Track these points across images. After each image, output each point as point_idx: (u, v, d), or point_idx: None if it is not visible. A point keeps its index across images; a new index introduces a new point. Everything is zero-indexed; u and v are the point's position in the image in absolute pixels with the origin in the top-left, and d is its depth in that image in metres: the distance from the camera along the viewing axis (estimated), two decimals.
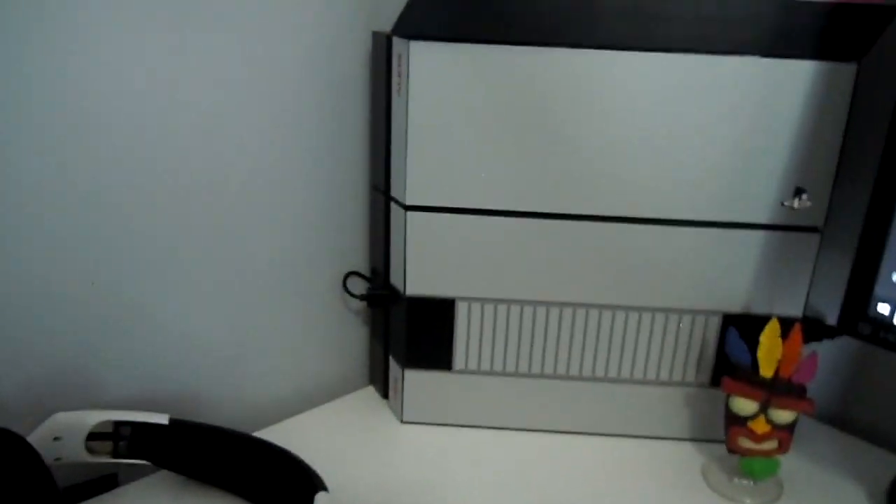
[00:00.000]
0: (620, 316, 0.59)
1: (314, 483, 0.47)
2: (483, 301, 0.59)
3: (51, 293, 0.50)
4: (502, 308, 0.59)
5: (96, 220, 0.51)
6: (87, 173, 0.50)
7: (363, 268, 0.69)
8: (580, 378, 0.61)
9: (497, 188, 0.56)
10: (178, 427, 0.52)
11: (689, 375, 0.61)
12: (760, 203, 0.56)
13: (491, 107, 0.54)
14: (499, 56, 0.53)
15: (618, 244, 0.57)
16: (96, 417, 0.51)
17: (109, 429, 0.51)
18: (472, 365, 0.61)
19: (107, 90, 0.49)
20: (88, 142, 0.49)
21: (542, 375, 0.61)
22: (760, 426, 0.55)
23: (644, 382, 0.61)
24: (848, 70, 0.53)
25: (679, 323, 0.59)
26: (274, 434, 0.61)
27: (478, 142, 0.55)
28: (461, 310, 0.60)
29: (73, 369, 0.53)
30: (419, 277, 0.59)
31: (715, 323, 0.59)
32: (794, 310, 0.59)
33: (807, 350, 0.55)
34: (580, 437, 0.63)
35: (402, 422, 0.64)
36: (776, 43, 0.53)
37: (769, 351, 0.54)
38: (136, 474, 0.55)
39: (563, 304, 0.59)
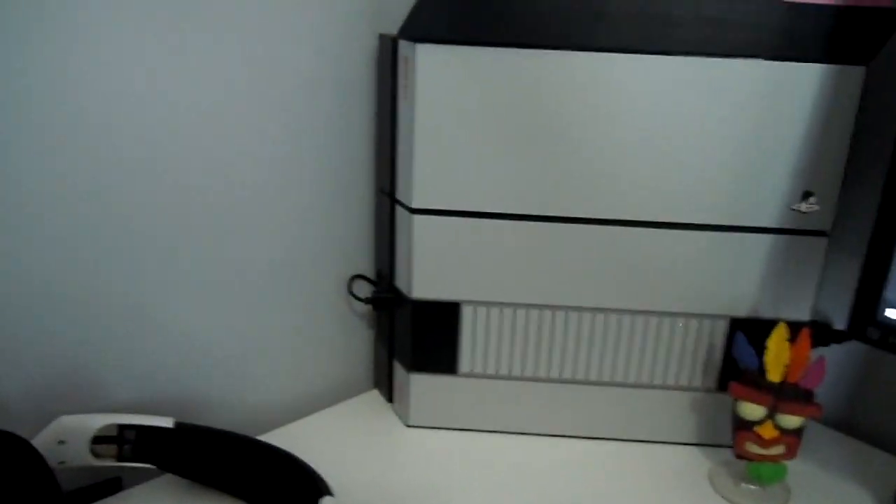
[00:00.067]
0: (627, 320, 0.59)
1: (319, 487, 0.47)
2: (489, 305, 0.59)
3: (54, 296, 0.50)
4: (508, 312, 0.59)
5: (100, 222, 0.51)
6: (90, 175, 0.50)
7: (368, 271, 0.69)
8: (586, 382, 0.61)
9: (503, 191, 0.56)
10: (183, 431, 0.52)
11: (696, 380, 0.61)
12: (768, 207, 0.56)
13: (497, 110, 0.54)
14: (505, 59, 0.53)
15: (624, 248, 0.57)
16: (101, 421, 0.51)
17: (114, 432, 0.51)
18: (478, 369, 0.61)
19: (110, 91, 0.49)
20: (93, 143, 0.49)
21: (548, 379, 0.61)
22: (768, 431, 0.54)
23: (651, 387, 0.61)
24: (856, 73, 0.53)
25: (679, 323, 0.59)
26: (278, 437, 0.61)
27: (484, 145, 0.55)
28: (467, 313, 0.59)
29: (77, 372, 0.52)
30: (425, 281, 0.59)
31: (722, 327, 0.59)
32: (802, 314, 0.59)
33: (814, 355, 0.55)
34: (586, 442, 0.63)
35: (407, 426, 0.64)
36: (784, 46, 0.53)
37: (777, 356, 0.54)
38: (140, 478, 0.54)
39: (568, 308, 0.59)
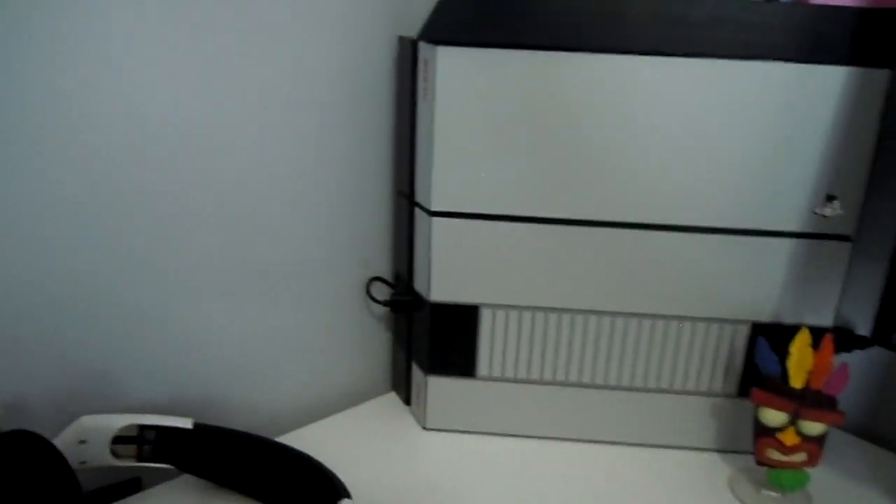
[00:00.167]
0: (647, 324, 0.58)
1: (337, 490, 0.47)
2: (508, 308, 0.59)
3: (77, 297, 0.50)
4: (527, 315, 0.59)
5: (123, 225, 0.51)
6: (114, 177, 0.50)
7: (387, 273, 0.69)
8: (606, 387, 0.61)
9: (523, 194, 0.56)
10: (202, 431, 0.52)
11: (717, 385, 0.60)
12: (791, 211, 0.55)
13: (517, 112, 0.54)
14: (525, 61, 0.53)
15: (645, 251, 0.57)
16: (121, 421, 0.51)
17: (134, 432, 0.51)
18: (496, 372, 0.61)
19: (131, 93, 0.49)
20: (118, 145, 0.49)
21: (567, 384, 0.61)
22: (790, 438, 0.54)
23: (671, 392, 0.60)
24: (880, 76, 0.52)
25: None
26: (296, 439, 0.61)
27: (503, 147, 0.55)
28: (485, 316, 0.59)
29: (98, 373, 0.53)
30: (443, 283, 0.59)
31: (744, 332, 0.58)
32: (825, 320, 0.58)
33: (837, 361, 0.54)
34: (605, 447, 0.62)
35: (424, 428, 0.64)
36: (807, 48, 0.52)
37: (799, 361, 0.53)
38: (159, 478, 0.55)
39: (588, 312, 0.59)
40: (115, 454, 0.51)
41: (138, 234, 0.52)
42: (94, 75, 0.47)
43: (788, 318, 0.58)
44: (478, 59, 0.53)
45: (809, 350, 0.53)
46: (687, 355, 0.59)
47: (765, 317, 0.58)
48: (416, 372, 0.64)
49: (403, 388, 0.68)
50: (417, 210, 0.60)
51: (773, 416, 0.54)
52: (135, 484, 0.54)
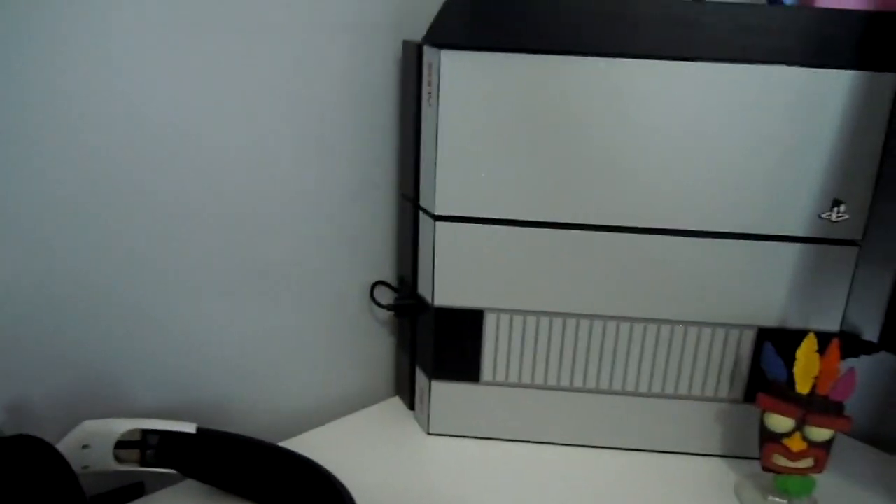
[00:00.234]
0: (652, 329, 0.58)
1: (341, 495, 0.47)
2: (512, 312, 0.59)
3: (79, 301, 0.50)
4: (531, 320, 0.59)
5: (125, 227, 0.51)
6: (112, 179, 0.50)
7: (390, 277, 0.68)
8: (610, 392, 0.60)
9: (528, 198, 0.56)
10: (206, 436, 0.52)
11: (723, 390, 0.60)
12: (797, 215, 0.55)
13: (522, 116, 0.54)
14: (530, 65, 0.53)
15: (650, 256, 0.56)
16: (124, 426, 0.51)
17: (137, 437, 0.51)
18: (501, 377, 0.61)
19: (131, 93, 0.49)
20: (119, 145, 0.49)
21: (571, 389, 0.60)
22: (796, 444, 0.53)
23: (676, 397, 0.60)
24: (887, 80, 0.52)
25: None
26: (299, 444, 0.60)
27: (508, 151, 0.55)
28: (490, 321, 0.59)
29: (101, 377, 0.53)
30: (447, 288, 0.59)
31: (749, 337, 0.58)
32: (831, 325, 0.58)
33: (844, 366, 0.54)
34: (610, 452, 0.62)
35: (428, 434, 0.63)
36: (814, 52, 0.52)
37: (806, 367, 0.53)
38: (162, 483, 0.55)
39: (593, 317, 0.58)
40: (118, 459, 0.51)
41: (141, 239, 0.52)
42: (94, 75, 0.47)
43: (795, 323, 0.58)
44: (482, 63, 0.53)
45: (816, 355, 0.53)
46: (692, 360, 0.59)
47: (771, 322, 0.58)
48: (420, 376, 0.64)
49: (407, 393, 0.67)
50: (421, 214, 0.59)
51: (780, 422, 0.54)
52: (138, 489, 0.54)
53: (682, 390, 0.60)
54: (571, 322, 0.59)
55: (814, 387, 0.53)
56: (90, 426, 0.50)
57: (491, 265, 0.58)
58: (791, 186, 0.54)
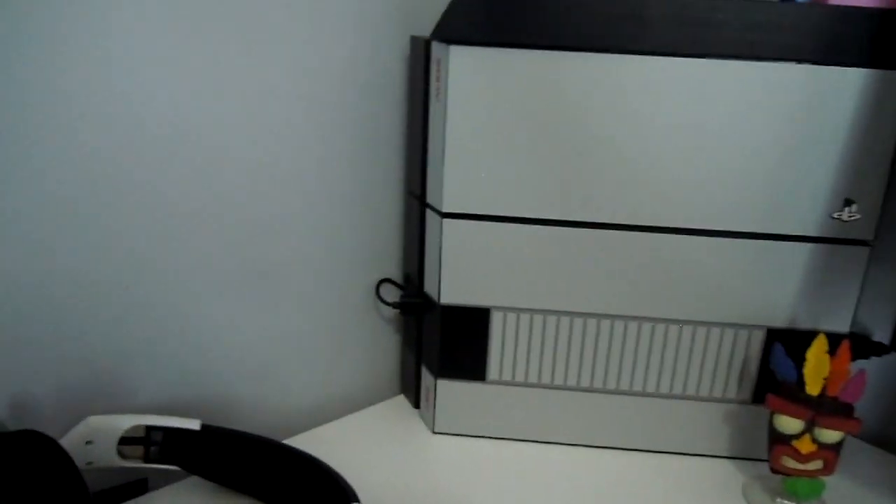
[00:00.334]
0: (660, 329, 0.58)
1: (345, 493, 0.47)
2: (519, 311, 0.58)
3: (84, 296, 0.50)
4: (538, 318, 0.58)
5: (130, 223, 0.51)
6: (116, 175, 0.50)
7: (396, 275, 0.68)
8: (618, 392, 0.60)
9: (535, 196, 0.55)
10: (210, 433, 0.51)
11: (731, 391, 0.59)
12: (808, 215, 0.54)
13: (531, 113, 0.53)
14: (539, 61, 0.52)
15: (659, 255, 0.56)
16: (128, 422, 0.51)
17: (141, 433, 0.51)
18: (507, 376, 0.60)
19: (131, 93, 0.49)
20: (121, 145, 0.49)
21: (578, 388, 0.60)
22: (805, 446, 0.53)
23: (684, 398, 0.60)
24: None
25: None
26: (304, 442, 0.60)
27: (516, 149, 0.54)
28: (496, 320, 0.59)
29: (105, 373, 0.52)
30: (454, 286, 0.58)
31: (759, 338, 0.58)
32: (841, 325, 0.57)
33: (854, 368, 0.53)
34: (617, 453, 0.62)
35: (433, 432, 0.63)
36: (825, 50, 0.51)
37: (816, 368, 0.53)
38: (166, 480, 0.54)
39: (601, 316, 0.58)
40: (121, 455, 0.51)
41: (146, 236, 0.52)
42: (94, 75, 0.47)
43: (804, 324, 0.57)
44: (491, 59, 0.53)
45: (826, 356, 0.53)
46: (701, 360, 0.58)
47: (780, 322, 0.57)
48: (426, 375, 0.64)
49: (412, 392, 0.67)
50: (428, 211, 0.59)
51: (789, 424, 0.53)
52: (141, 485, 0.54)
53: (690, 391, 0.59)
54: (578, 321, 0.58)
55: (824, 388, 0.53)
56: (94, 422, 0.50)
57: (498, 263, 0.57)
58: (802, 185, 0.54)
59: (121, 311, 0.52)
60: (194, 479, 0.54)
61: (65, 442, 0.48)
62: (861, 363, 0.61)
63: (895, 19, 0.51)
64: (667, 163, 0.54)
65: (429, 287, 0.61)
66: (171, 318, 0.55)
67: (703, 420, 0.60)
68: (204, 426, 0.51)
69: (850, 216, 0.54)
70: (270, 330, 0.61)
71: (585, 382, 0.60)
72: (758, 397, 0.59)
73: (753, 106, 0.52)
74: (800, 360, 0.53)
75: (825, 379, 0.53)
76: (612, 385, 0.60)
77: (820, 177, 0.54)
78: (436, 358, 0.61)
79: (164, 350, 0.55)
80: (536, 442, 0.62)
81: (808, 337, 0.54)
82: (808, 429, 0.53)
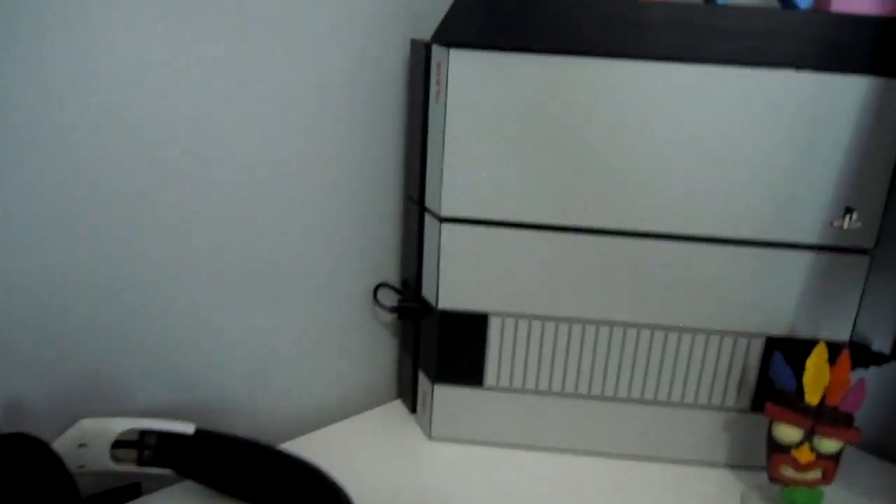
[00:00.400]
0: (659, 336, 0.57)
1: (340, 498, 0.46)
2: (517, 317, 0.58)
3: (78, 298, 0.50)
4: (537, 324, 0.58)
5: (126, 226, 0.51)
6: (121, 178, 0.49)
7: (394, 279, 0.68)
8: (615, 399, 0.60)
9: (535, 201, 0.55)
10: (204, 437, 0.51)
11: (730, 399, 0.59)
12: (808, 222, 0.54)
13: (531, 117, 0.53)
14: (540, 65, 0.52)
15: (658, 261, 0.56)
16: (122, 425, 0.50)
17: (135, 437, 0.51)
18: (504, 382, 0.60)
19: (135, 93, 0.49)
20: (125, 145, 0.49)
21: (576, 395, 0.60)
22: (804, 455, 0.52)
23: (682, 405, 0.59)
24: None
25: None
26: (299, 446, 0.60)
27: (516, 153, 0.54)
28: (494, 325, 0.58)
29: (99, 376, 0.52)
30: (452, 291, 0.58)
31: (758, 346, 0.57)
32: (841, 334, 0.57)
33: (854, 377, 0.53)
34: (614, 460, 0.61)
35: (430, 438, 0.63)
36: (827, 57, 0.51)
37: (815, 377, 0.52)
38: (159, 484, 0.54)
39: (599, 322, 0.57)
40: (115, 458, 0.50)
41: (142, 238, 0.51)
42: (93, 76, 0.47)
43: (804, 333, 0.57)
44: (491, 63, 0.52)
45: (826, 365, 0.52)
46: (700, 368, 0.58)
47: (780, 330, 0.57)
48: (423, 380, 0.63)
49: (409, 397, 0.67)
50: (427, 215, 0.59)
51: (788, 432, 0.53)
52: (134, 489, 0.53)
53: (689, 398, 0.59)
54: (577, 327, 0.58)
55: (823, 397, 0.52)
56: (87, 425, 0.49)
57: (496, 268, 0.57)
58: (802, 193, 0.54)
59: (116, 314, 0.52)
60: (188, 483, 0.53)
61: (58, 445, 0.48)
62: (861, 372, 0.61)
63: None
64: (667, 169, 0.54)
65: (427, 292, 0.60)
66: (166, 322, 0.54)
67: (702, 428, 0.60)
68: (198, 430, 0.51)
69: (851, 224, 0.54)
70: (267, 334, 0.60)
71: (584, 389, 0.59)
72: (757, 406, 0.59)
73: (755, 112, 0.52)
74: (799, 369, 0.53)
75: (825, 388, 0.52)
76: (610, 392, 0.59)
77: (821, 184, 0.53)
78: (433, 363, 0.60)
79: (159, 353, 0.55)
80: (534, 449, 0.62)
81: (807, 345, 0.53)
82: (808, 438, 0.52)
